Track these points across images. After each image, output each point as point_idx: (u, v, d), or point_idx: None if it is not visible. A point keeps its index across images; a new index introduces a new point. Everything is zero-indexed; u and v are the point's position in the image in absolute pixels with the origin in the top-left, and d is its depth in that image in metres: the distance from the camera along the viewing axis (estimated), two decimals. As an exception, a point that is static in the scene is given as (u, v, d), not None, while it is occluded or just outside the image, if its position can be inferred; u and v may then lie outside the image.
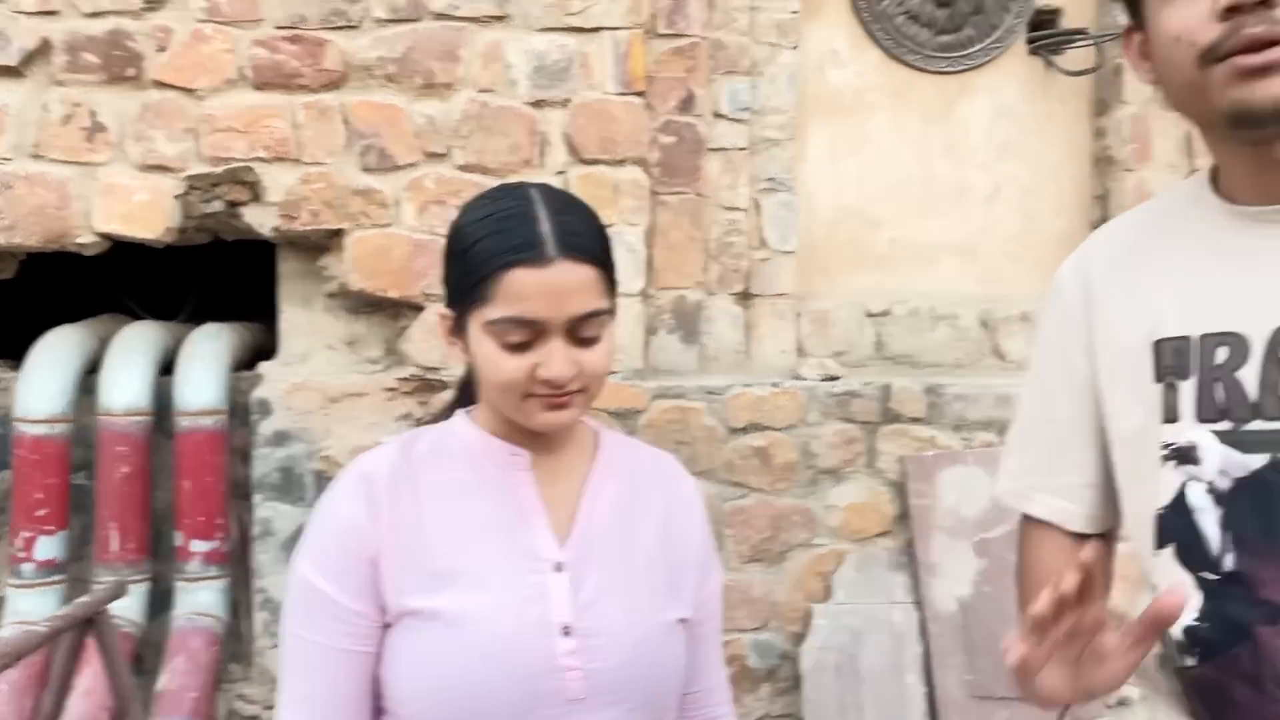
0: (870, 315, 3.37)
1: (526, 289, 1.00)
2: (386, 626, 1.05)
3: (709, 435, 2.86)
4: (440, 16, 2.83)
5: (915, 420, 2.98)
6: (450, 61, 2.83)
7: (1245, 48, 0.87)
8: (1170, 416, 0.98)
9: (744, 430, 2.89)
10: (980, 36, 3.45)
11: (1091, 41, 3.44)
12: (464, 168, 2.84)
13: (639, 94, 2.92)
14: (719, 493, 2.87)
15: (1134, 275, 1.05)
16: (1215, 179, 1.02)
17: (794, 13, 3.24)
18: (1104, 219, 3.54)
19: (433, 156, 2.83)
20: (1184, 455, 0.97)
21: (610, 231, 1.11)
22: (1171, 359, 0.98)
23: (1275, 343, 0.92)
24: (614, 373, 2.87)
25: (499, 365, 1.03)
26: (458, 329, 1.08)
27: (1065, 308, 1.12)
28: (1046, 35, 3.48)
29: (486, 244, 1.03)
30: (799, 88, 3.30)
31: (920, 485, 2.93)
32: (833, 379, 3.03)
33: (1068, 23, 3.50)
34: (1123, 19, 1.05)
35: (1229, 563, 0.94)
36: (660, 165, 3.06)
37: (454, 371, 2.81)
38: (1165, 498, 0.99)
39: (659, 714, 1.10)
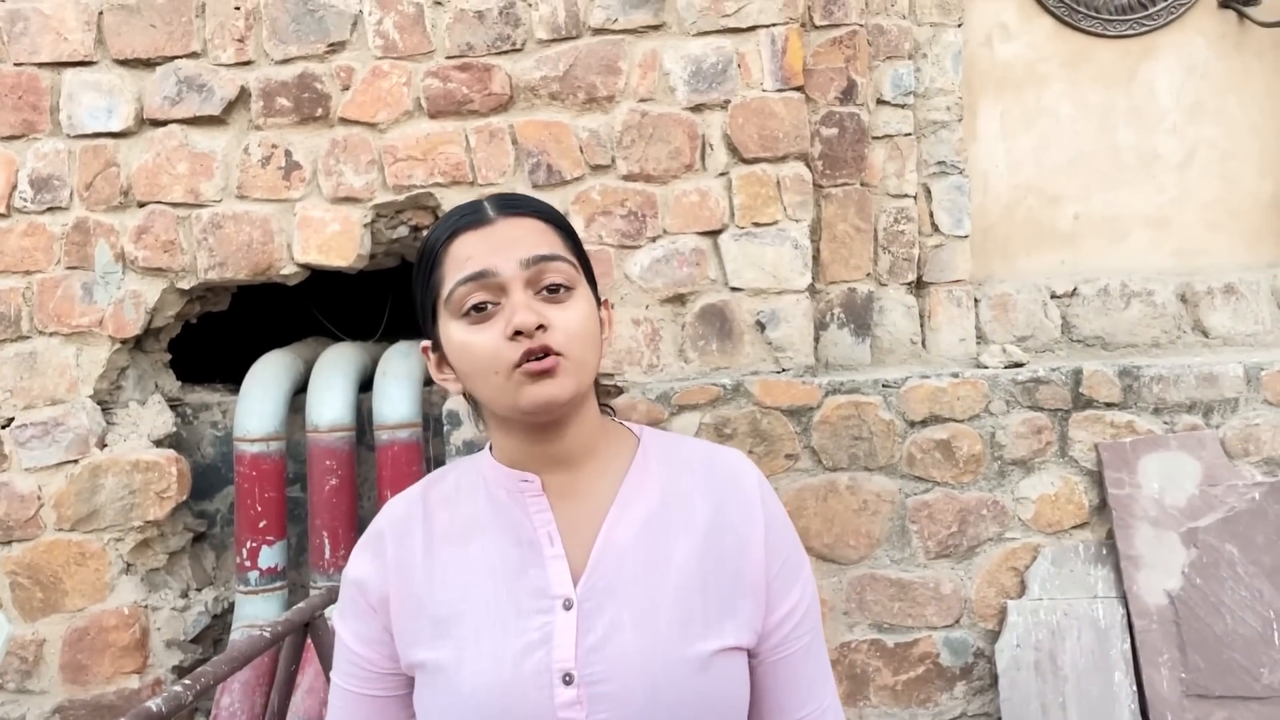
0: (1055, 296, 3.22)
1: (470, 248, 0.97)
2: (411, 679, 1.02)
3: (886, 430, 2.81)
4: (599, 32, 2.90)
5: (1110, 405, 2.82)
6: (610, 75, 2.90)
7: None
8: None
9: (923, 423, 2.82)
10: (1163, -7, 3.24)
11: (1292, -14, 3.17)
12: (627, 177, 2.90)
13: (798, 88, 2.90)
14: (901, 487, 2.81)
15: None
16: None
17: (956, -11, 3.14)
18: (1317, 177, 3.26)
19: (598, 169, 2.90)
20: None
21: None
22: None
23: None
24: (784, 371, 2.87)
25: (470, 348, 0.96)
26: (440, 355, 1.03)
27: None
28: (1239, -16, 3.22)
29: (432, 236, 1.02)
30: (965, 66, 3.19)
31: (1119, 473, 2.78)
32: (1017, 366, 2.92)
33: (1263, -32, 3.24)
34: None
35: None
36: (823, 158, 3.02)
37: (626, 378, 2.87)
38: None
39: None
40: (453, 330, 0.97)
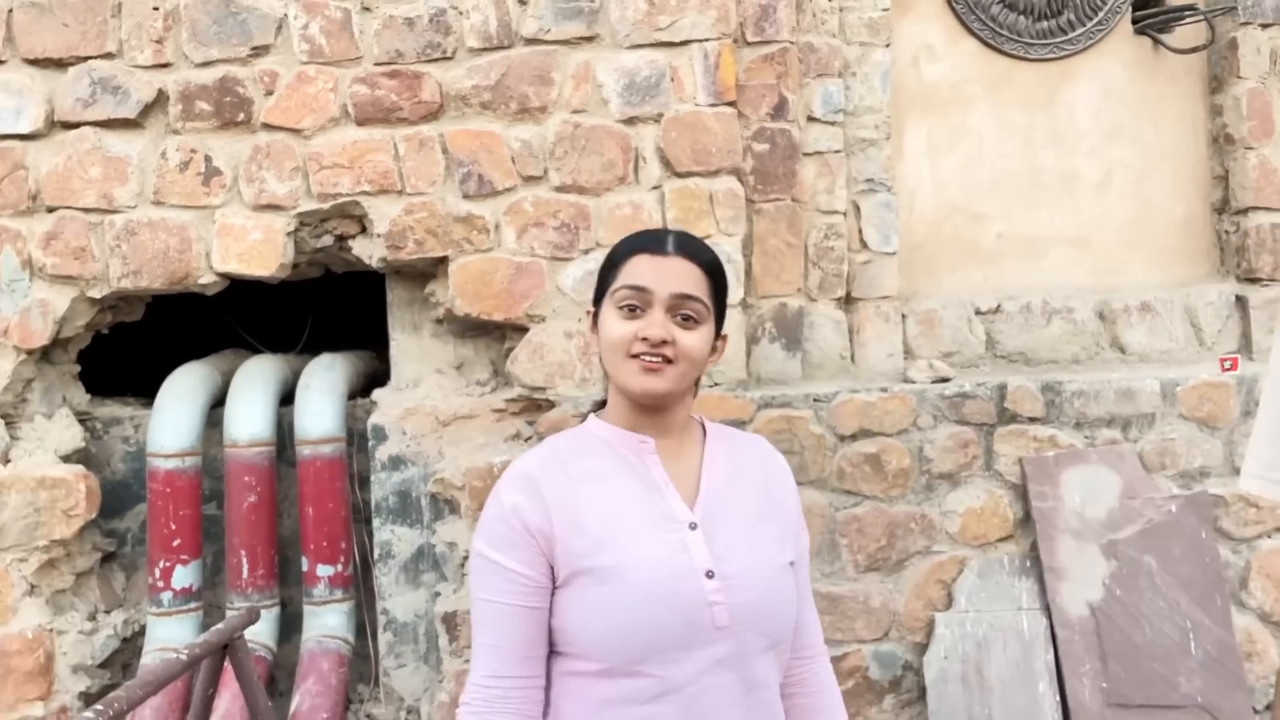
0: (979, 313, 3.28)
1: (643, 267, 1.35)
2: (555, 589, 1.31)
3: (817, 444, 2.82)
4: (531, 42, 2.87)
5: (1034, 420, 2.88)
6: (543, 85, 2.87)
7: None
8: None
9: (853, 437, 2.84)
10: (1081, 20, 3.34)
11: (1202, 16, 3.29)
12: (560, 188, 2.87)
13: (730, 103, 2.91)
14: (831, 501, 2.82)
15: None
16: None
17: (885, 10, 3.18)
18: (1225, 200, 3.38)
19: (530, 180, 2.87)
20: None
21: (708, 242, 1.42)
22: None
23: None
24: (715, 385, 2.86)
25: (614, 328, 1.34)
26: (595, 321, 1.40)
27: None
28: (1153, 13, 3.34)
29: (622, 245, 1.40)
30: (893, 85, 3.24)
31: (1042, 487, 2.83)
32: (944, 381, 2.96)
33: (1175, -2, 3.36)
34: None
35: None
36: (755, 173, 3.03)
37: (559, 391, 2.84)
38: None
39: (780, 639, 1.36)
40: (608, 314, 1.35)
